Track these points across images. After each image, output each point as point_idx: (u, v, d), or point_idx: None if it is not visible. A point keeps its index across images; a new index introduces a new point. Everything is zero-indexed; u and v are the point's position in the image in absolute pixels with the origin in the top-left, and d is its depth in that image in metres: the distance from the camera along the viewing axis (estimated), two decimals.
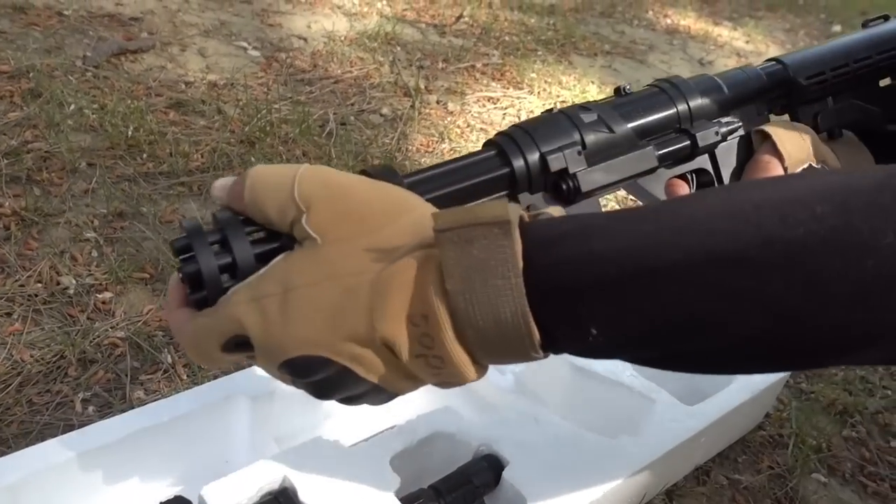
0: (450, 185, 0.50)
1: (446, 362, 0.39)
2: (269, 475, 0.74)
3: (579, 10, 2.87)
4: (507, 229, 0.37)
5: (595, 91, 2.12)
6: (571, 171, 0.54)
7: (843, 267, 0.34)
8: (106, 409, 0.92)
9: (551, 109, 0.57)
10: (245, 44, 1.94)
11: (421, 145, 1.67)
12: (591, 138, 0.55)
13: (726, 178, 0.62)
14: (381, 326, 0.39)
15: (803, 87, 0.67)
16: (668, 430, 0.87)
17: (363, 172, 0.47)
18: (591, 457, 0.83)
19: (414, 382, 0.43)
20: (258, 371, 0.83)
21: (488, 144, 0.54)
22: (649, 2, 3.15)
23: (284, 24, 2.11)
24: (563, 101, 2.04)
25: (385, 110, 1.78)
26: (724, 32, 3.00)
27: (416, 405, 0.89)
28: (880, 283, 0.34)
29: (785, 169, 0.60)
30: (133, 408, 0.82)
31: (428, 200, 0.46)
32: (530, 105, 1.98)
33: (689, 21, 3.04)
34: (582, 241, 0.39)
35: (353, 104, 1.78)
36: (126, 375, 0.96)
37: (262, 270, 0.42)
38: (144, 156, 1.38)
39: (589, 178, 0.55)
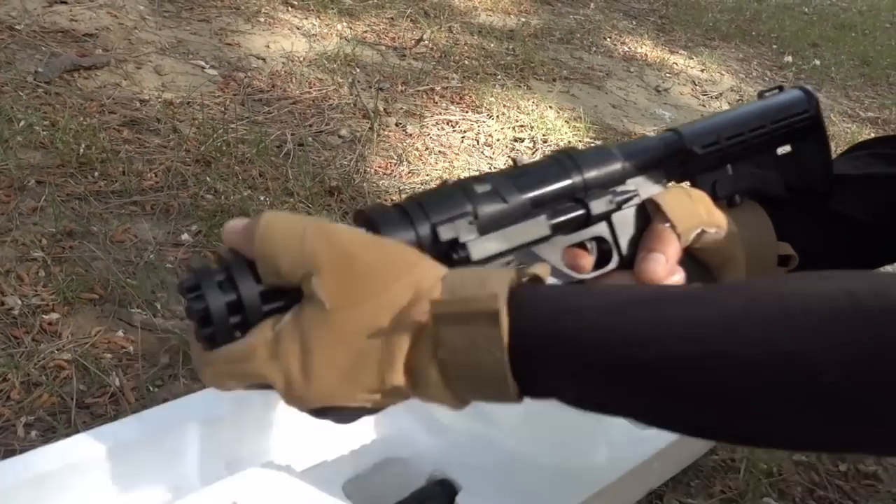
0: None
1: (436, 400, 0.48)
2: (218, 501, 0.73)
3: (538, 36, 2.90)
4: (495, 320, 0.44)
5: (553, 116, 2.15)
6: (462, 240, 0.54)
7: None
8: (50, 434, 0.89)
9: (446, 181, 0.58)
10: (202, 62, 1.93)
11: (379, 167, 1.67)
12: (483, 209, 0.55)
13: (624, 246, 0.64)
14: (391, 379, 0.46)
15: (699, 156, 0.69)
16: (621, 454, 0.88)
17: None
18: (545, 482, 0.83)
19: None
20: (208, 395, 0.81)
21: None
22: (607, 29, 3.21)
23: (243, 44, 2.10)
24: (522, 126, 2.06)
25: (343, 132, 1.78)
26: (679, 61, 3.06)
27: (368, 430, 0.88)
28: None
29: (678, 235, 0.63)
30: (78, 432, 0.79)
31: None
32: (489, 129, 1.99)
33: (646, 49, 3.09)
34: (567, 325, 0.46)
35: (311, 125, 1.77)
36: (72, 399, 0.94)
37: (277, 327, 0.46)
38: (96, 174, 1.36)
39: (480, 247, 0.55)
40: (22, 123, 1.41)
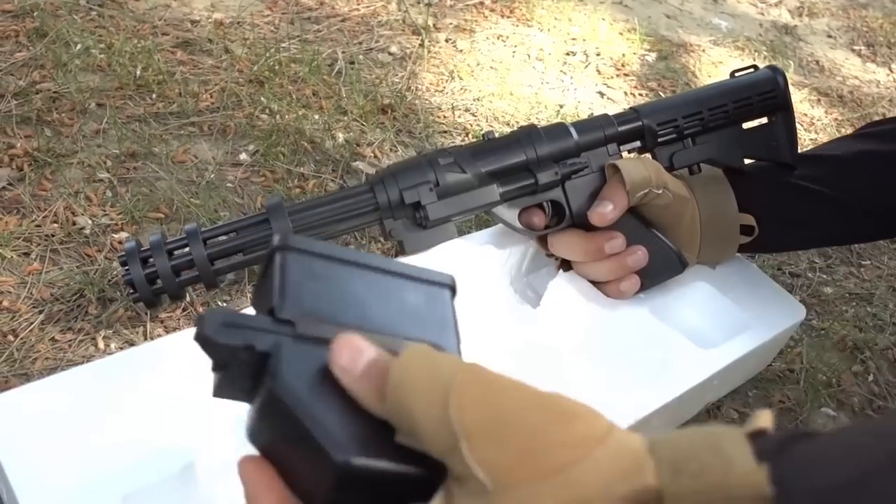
0: (329, 211, 0.67)
1: None
2: None
3: None
4: None
5: (606, 28, 2.09)
6: (423, 203, 0.69)
7: None
8: (128, 346, 0.93)
9: (420, 152, 0.74)
10: None
11: (431, 84, 1.66)
12: (444, 178, 0.70)
13: (576, 208, 0.78)
14: None
15: (655, 132, 0.81)
16: (682, 374, 0.88)
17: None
18: (606, 400, 0.84)
19: None
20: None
21: (365, 183, 0.70)
22: None
23: None
24: (574, 39, 2.01)
25: (394, 49, 1.76)
26: None
27: None
28: None
29: (627, 193, 0.75)
30: None
31: (309, 223, 0.67)
32: (540, 42, 1.95)
33: None
34: None
35: (361, 43, 1.76)
36: (146, 313, 0.97)
37: None
38: (154, 96, 1.37)
39: (436, 209, 0.69)
40: (79, 47, 1.43)
